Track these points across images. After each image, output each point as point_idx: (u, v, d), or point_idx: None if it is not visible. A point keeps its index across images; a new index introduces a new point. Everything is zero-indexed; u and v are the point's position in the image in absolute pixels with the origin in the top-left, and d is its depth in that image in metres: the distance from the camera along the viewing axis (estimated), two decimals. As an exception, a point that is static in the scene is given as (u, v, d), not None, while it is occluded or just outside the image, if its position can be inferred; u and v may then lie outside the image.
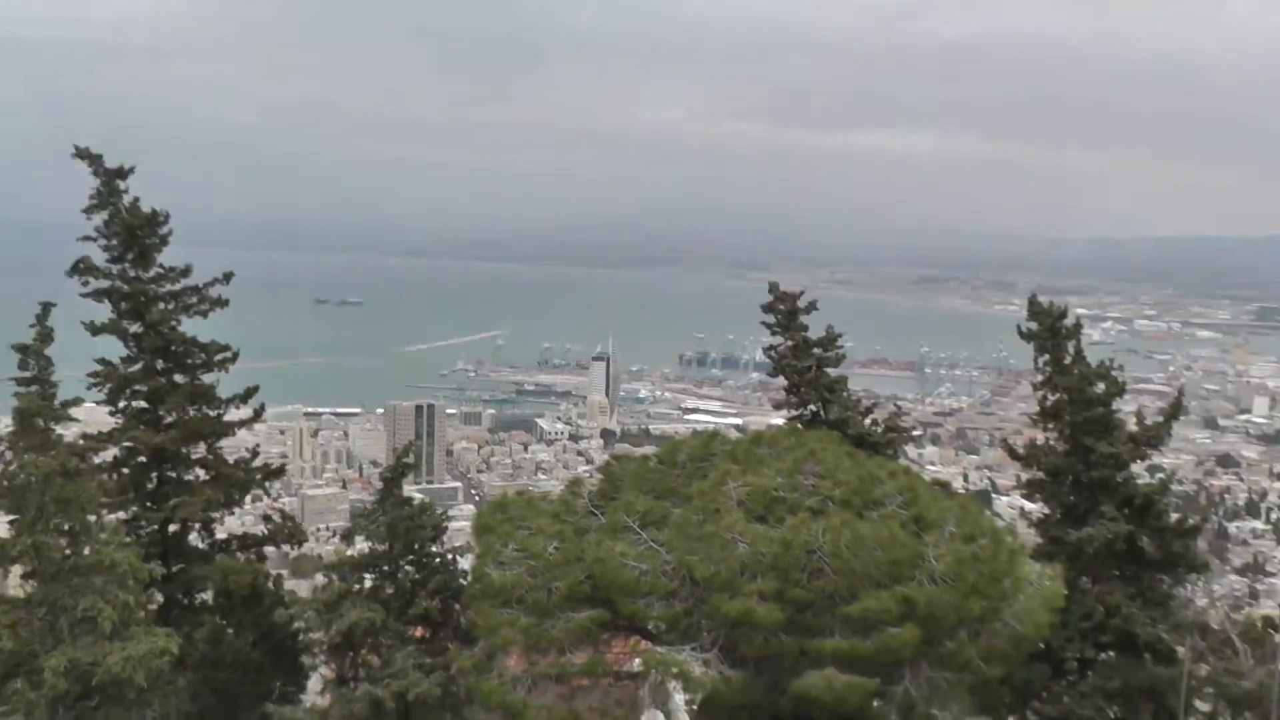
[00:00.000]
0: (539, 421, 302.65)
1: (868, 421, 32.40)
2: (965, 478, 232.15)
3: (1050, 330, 30.92)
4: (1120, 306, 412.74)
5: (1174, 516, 30.50)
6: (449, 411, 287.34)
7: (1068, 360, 30.74)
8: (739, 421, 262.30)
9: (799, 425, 31.44)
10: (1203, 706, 31.52)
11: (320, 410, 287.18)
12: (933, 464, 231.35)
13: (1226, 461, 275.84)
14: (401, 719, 27.15)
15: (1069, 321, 31.20)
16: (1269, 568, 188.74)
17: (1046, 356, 30.96)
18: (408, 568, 29.02)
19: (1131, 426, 30.75)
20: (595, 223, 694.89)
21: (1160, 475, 31.15)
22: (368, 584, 28.74)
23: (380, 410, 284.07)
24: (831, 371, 32.37)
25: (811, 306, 32.43)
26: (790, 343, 31.98)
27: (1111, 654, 29.61)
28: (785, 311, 32.07)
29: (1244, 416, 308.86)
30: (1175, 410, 31.84)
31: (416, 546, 29.01)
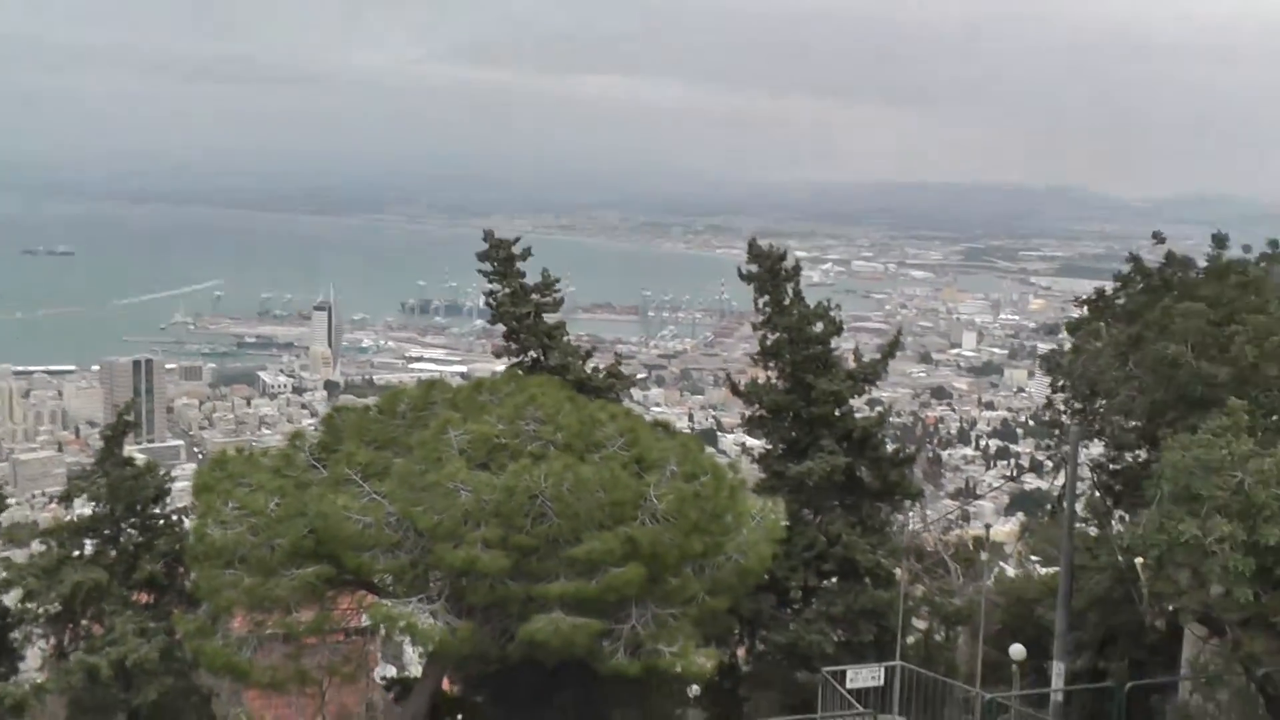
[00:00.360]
0: (261, 375, 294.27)
1: (589, 366, 32.43)
2: (691, 417, 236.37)
3: (770, 272, 31.47)
4: (839, 249, 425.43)
5: (891, 448, 31.58)
6: (168, 366, 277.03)
7: (787, 301, 31.34)
8: (464, 369, 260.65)
9: (519, 372, 31.24)
10: (920, 624, 33.01)
11: (31, 369, 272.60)
12: (658, 405, 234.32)
13: (940, 393, 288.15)
14: (123, 687, 26.13)
15: (788, 264, 31.70)
16: (979, 490, 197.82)
17: (766, 298, 31.48)
18: (130, 530, 27.96)
19: (850, 363, 31.61)
20: (313, 168, 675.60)
21: (879, 409, 32.18)
22: (89, 550, 27.59)
23: (96, 367, 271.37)
24: (550, 317, 32.22)
25: (527, 253, 32.14)
26: (508, 289, 31.67)
27: (834, 580, 30.54)
28: (502, 258, 31.73)
29: (954, 351, 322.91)
30: (892, 347, 33.00)
31: (139, 508, 27.98)
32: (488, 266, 31.90)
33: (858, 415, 31.31)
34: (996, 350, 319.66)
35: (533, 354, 31.77)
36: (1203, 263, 31.58)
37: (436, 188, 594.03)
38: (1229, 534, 24.09)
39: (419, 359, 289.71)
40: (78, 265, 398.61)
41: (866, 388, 31.57)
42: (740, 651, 32.12)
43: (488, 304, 32.61)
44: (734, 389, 33.53)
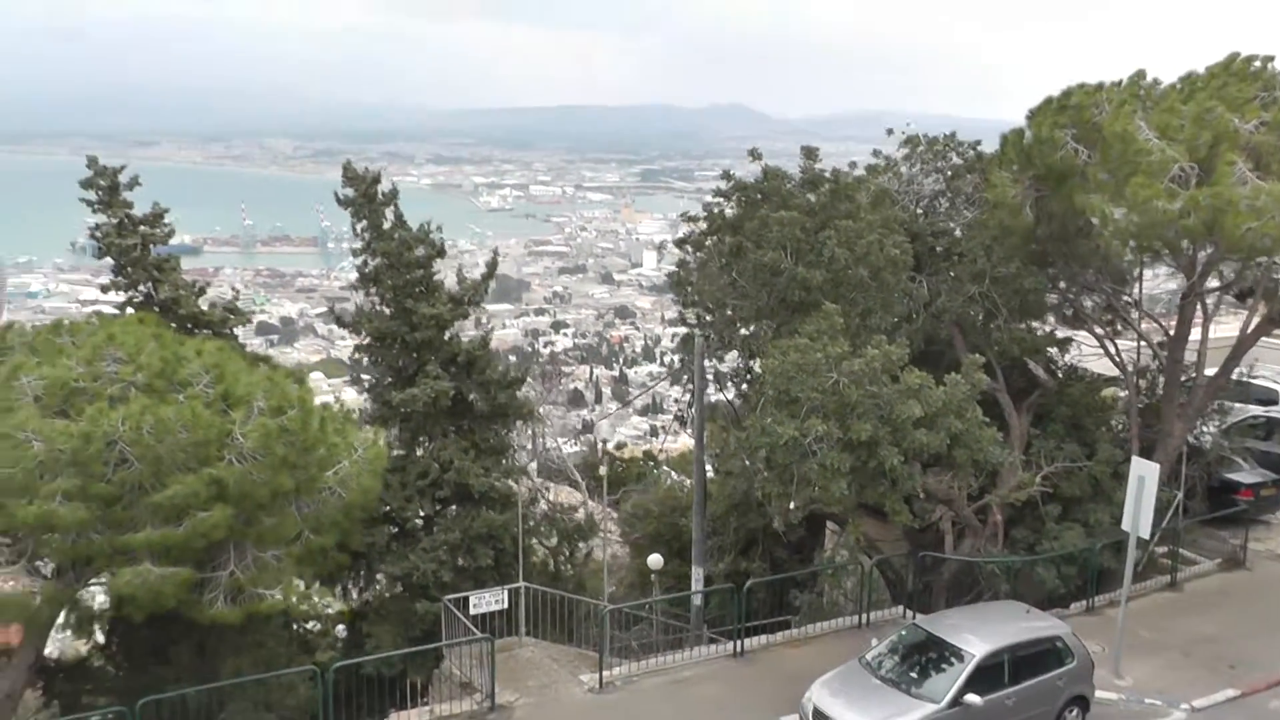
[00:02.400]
0: (92, 320, 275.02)
1: (205, 304, 31.25)
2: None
3: (365, 196, 30.77)
4: (516, 174, 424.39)
5: (501, 370, 31.53)
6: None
7: (387, 226, 30.75)
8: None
9: (129, 309, 29.89)
10: (545, 542, 33.29)
11: None
12: (343, 338, 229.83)
13: (623, 313, 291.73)
14: None
15: (385, 187, 31.07)
16: (665, 406, 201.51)
17: (365, 223, 30.79)
18: None
19: (452, 286, 31.32)
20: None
21: (481, 332, 32.04)
22: None
23: None
24: (162, 249, 30.88)
25: (134, 182, 30.63)
26: (114, 220, 30.10)
27: (452, 508, 30.47)
28: (106, 187, 30.11)
29: (635, 271, 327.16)
30: (491, 270, 32.72)
31: None
32: (91, 196, 30.10)
33: (462, 339, 31.04)
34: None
35: (143, 289, 30.22)
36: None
37: (91, 117, 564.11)
38: (825, 433, 25.09)
39: (95, 302, 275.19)
40: None
41: (471, 310, 31.28)
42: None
43: (93, 236, 30.79)
44: (339, 321, 32.65)
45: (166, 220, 31.03)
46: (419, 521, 30.16)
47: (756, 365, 30.55)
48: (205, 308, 30.95)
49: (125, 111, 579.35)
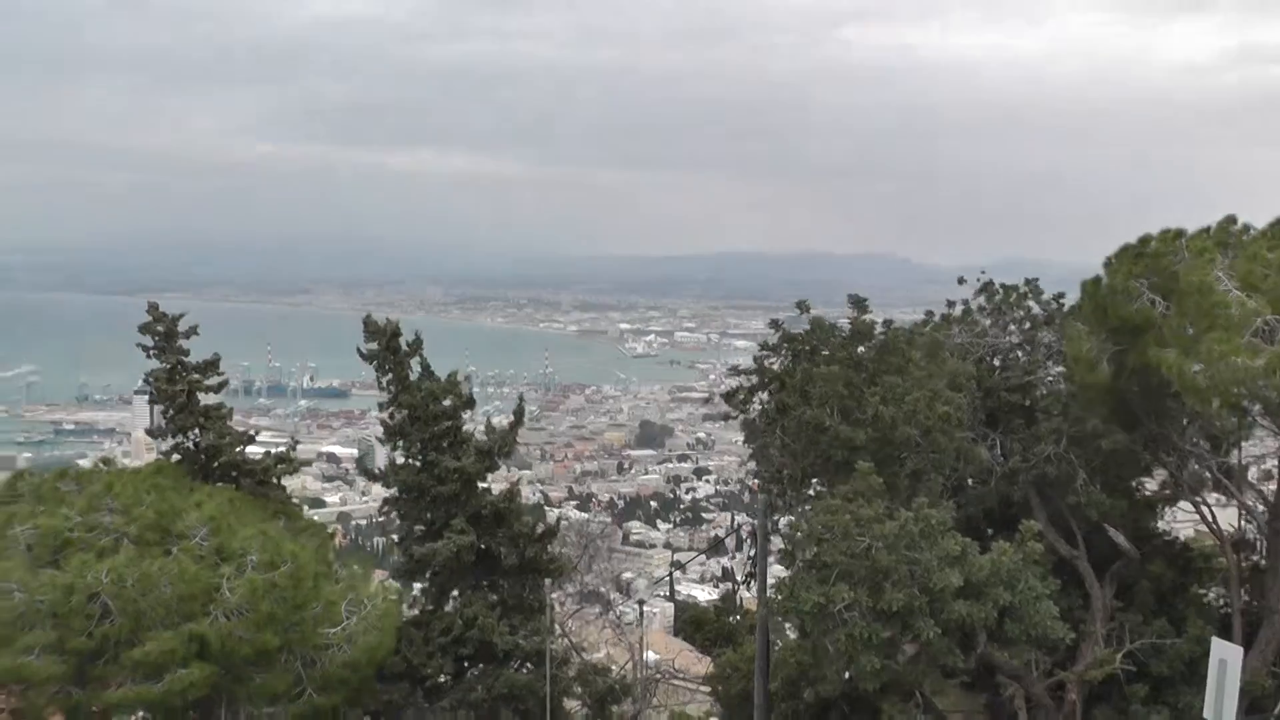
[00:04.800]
0: (81, 463, 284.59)
1: (256, 451, 30.95)
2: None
3: (388, 349, 30.22)
4: (662, 320, 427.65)
5: (532, 524, 30.60)
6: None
7: (413, 377, 30.19)
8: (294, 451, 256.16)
9: (172, 457, 29.71)
10: (572, 704, 31.98)
11: None
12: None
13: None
14: None
15: (406, 338, 30.53)
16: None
17: (390, 375, 30.23)
18: None
19: (480, 436, 30.58)
20: (122, 247, 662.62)
21: (505, 486, 31.18)
22: None
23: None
24: (213, 398, 30.66)
25: (192, 330, 30.58)
26: (167, 366, 30.04)
27: (479, 666, 29.45)
28: (162, 334, 30.10)
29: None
30: (519, 418, 31.93)
31: None
32: (148, 341, 30.10)
33: (490, 492, 30.21)
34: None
35: (193, 435, 30.02)
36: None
37: (246, 265, 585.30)
38: (854, 600, 23.60)
39: (293, 444, 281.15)
40: None
41: (499, 462, 30.43)
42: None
43: (146, 381, 30.72)
44: (366, 472, 32.12)
45: (221, 370, 30.78)
46: (441, 679, 29.10)
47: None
48: (254, 455, 30.60)
49: (290, 259, 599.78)
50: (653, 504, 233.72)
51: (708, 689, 42.15)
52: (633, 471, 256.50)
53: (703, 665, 44.31)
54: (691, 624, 59.42)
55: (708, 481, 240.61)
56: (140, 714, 22.16)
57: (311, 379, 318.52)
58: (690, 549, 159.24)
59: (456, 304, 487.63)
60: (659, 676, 40.28)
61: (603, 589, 38.86)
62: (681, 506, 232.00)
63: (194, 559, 21.61)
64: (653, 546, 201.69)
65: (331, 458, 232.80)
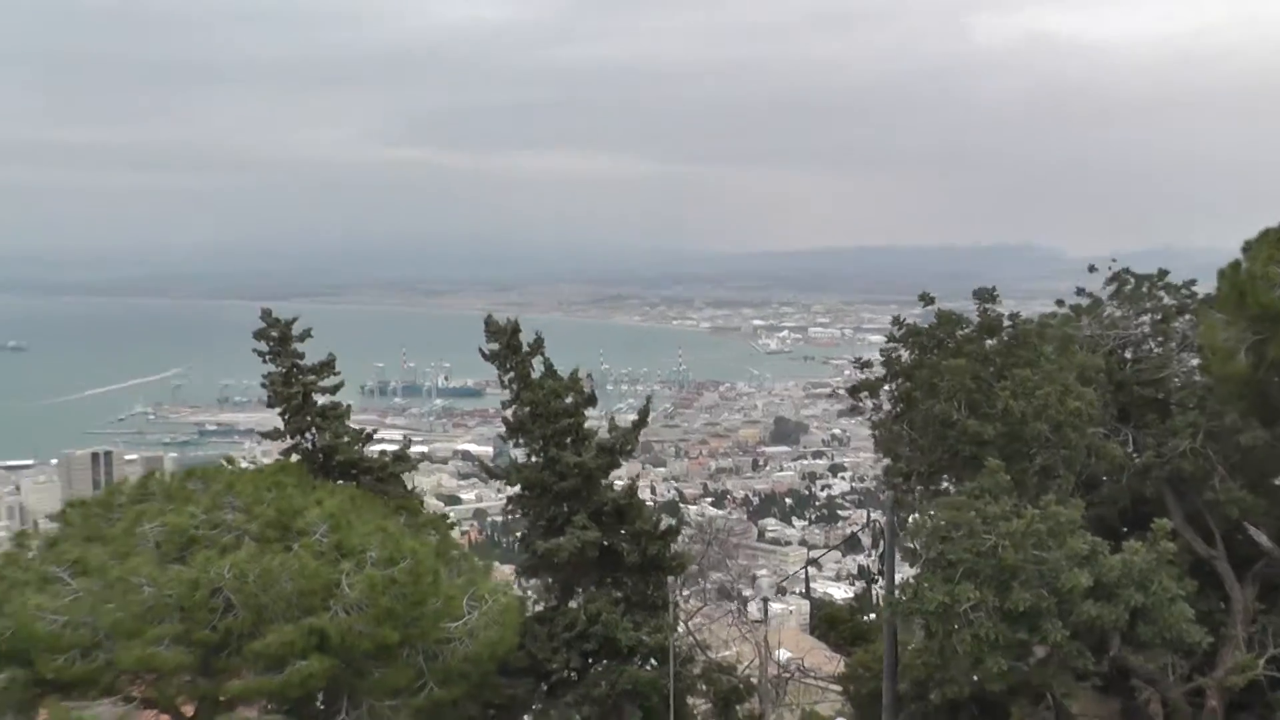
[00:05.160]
0: (223, 463, 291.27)
1: (373, 450, 31.33)
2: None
3: (508, 347, 30.30)
4: (795, 317, 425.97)
5: (653, 521, 30.40)
6: (129, 457, 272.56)
7: (535, 375, 30.23)
8: (425, 448, 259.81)
9: (293, 456, 30.21)
10: (697, 702, 31.74)
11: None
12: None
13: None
14: None
15: (526, 337, 30.57)
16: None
17: (512, 374, 30.29)
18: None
19: (602, 435, 30.48)
20: (268, 253, 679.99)
21: (624, 482, 31.02)
22: None
23: (54, 461, 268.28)
24: (329, 398, 31.11)
25: (306, 334, 31.08)
26: (282, 370, 30.55)
27: (604, 661, 29.35)
28: (277, 338, 30.63)
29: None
30: (643, 417, 31.76)
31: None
32: (263, 346, 30.68)
33: (612, 488, 30.10)
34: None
35: (310, 435, 30.52)
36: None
37: (390, 269, 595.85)
38: (979, 600, 23.06)
39: (382, 440, 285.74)
40: (30, 360, 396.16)
41: (620, 460, 30.31)
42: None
43: (262, 385, 31.31)
44: (487, 470, 32.26)
45: (337, 370, 31.18)
46: (565, 675, 29.09)
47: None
48: (371, 454, 30.97)
49: (420, 262, 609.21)
50: (788, 501, 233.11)
51: (839, 688, 41.71)
52: (767, 468, 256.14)
53: (835, 664, 43.84)
54: (825, 622, 58.92)
55: (843, 478, 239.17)
56: (268, 706, 22.37)
57: (446, 378, 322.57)
58: (825, 546, 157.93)
59: (593, 303, 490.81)
60: (788, 675, 39.89)
61: (732, 586, 38.45)
62: (816, 503, 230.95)
63: (314, 555, 21.76)
64: (788, 544, 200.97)
65: (466, 455, 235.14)
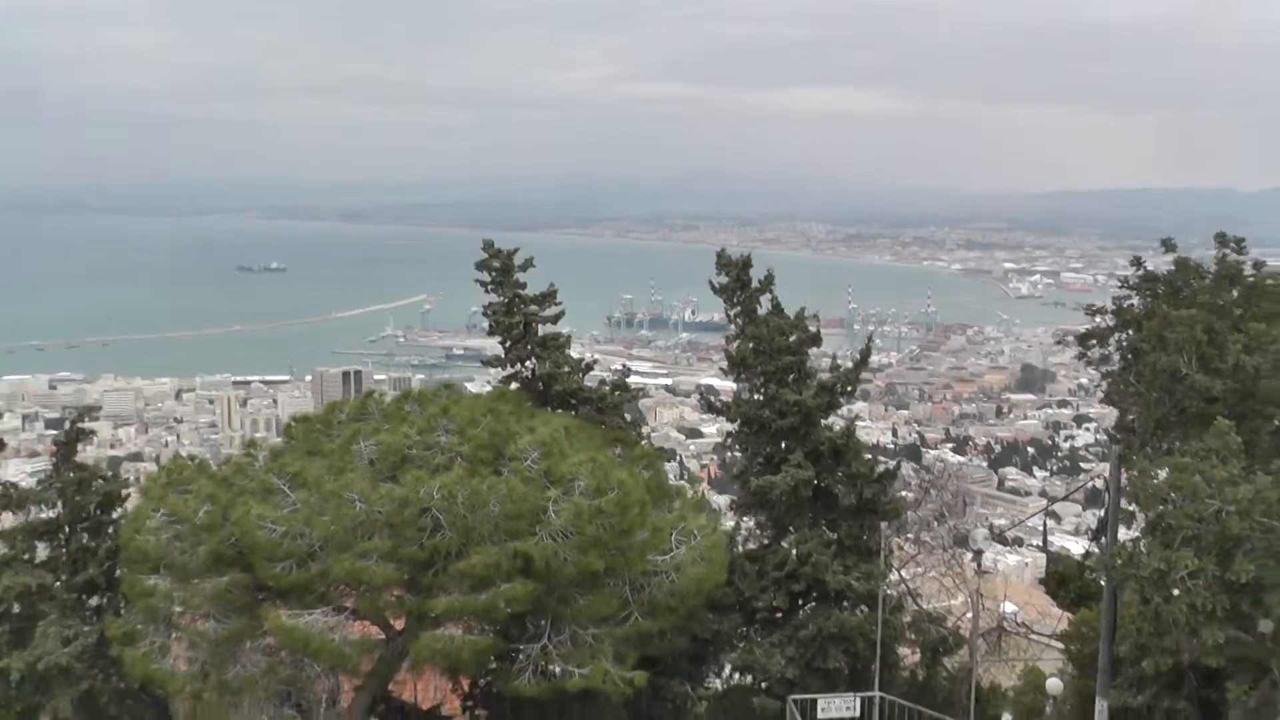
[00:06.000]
0: (468, 386, 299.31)
1: (593, 380, 31.60)
2: (895, 432, 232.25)
3: (738, 282, 30.06)
4: (1048, 260, 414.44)
5: (871, 464, 29.85)
6: (378, 377, 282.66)
7: (762, 311, 29.95)
8: (669, 382, 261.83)
9: (513, 385, 30.71)
10: (905, 651, 31.24)
11: (249, 379, 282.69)
12: (862, 419, 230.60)
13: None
14: (35, 689, 26.36)
15: (757, 273, 30.26)
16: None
17: (738, 309, 30.09)
18: (83, 534, 28.25)
19: (824, 374, 30.05)
20: (521, 186, 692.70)
21: (844, 422, 30.43)
22: (43, 553, 28.03)
23: (309, 377, 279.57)
24: (552, 328, 31.46)
25: (528, 263, 31.40)
26: (504, 300, 31.01)
27: (813, 602, 29.12)
28: (499, 268, 31.08)
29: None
30: (865, 357, 31.13)
31: (88, 513, 28.24)
32: (485, 276, 31.16)
33: (830, 428, 29.62)
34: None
35: (530, 364, 30.97)
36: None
37: (640, 204, 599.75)
38: (1199, 568, 22.07)
39: (630, 371, 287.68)
40: (291, 281, 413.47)
41: (840, 400, 29.79)
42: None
43: (484, 314, 31.85)
44: (708, 404, 32.10)
45: (558, 300, 31.48)
46: (769, 612, 28.97)
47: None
48: (592, 385, 31.25)
49: (673, 197, 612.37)
50: (1030, 450, 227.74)
51: (1061, 646, 40.70)
52: (1011, 416, 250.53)
53: (1060, 621, 42.78)
54: (1055, 578, 57.41)
55: (1088, 429, 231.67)
56: (472, 625, 22.91)
57: (693, 312, 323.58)
58: (1066, 499, 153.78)
59: (843, 241, 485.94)
60: (1005, 630, 39.06)
61: (955, 534, 37.63)
62: (1059, 454, 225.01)
63: (523, 480, 22.08)
64: (1027, 494, 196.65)
65: (710, 390, 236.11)
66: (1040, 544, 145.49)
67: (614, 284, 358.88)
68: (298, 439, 26.32)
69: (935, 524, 34.04)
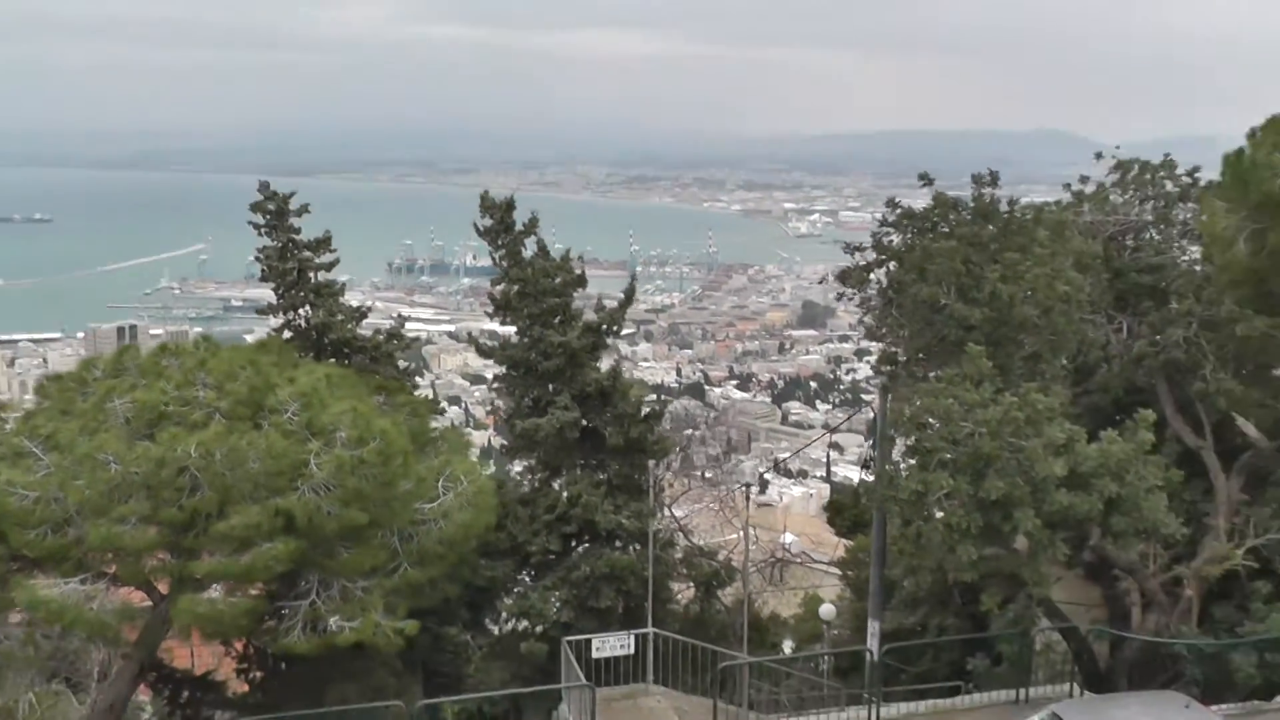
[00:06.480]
0: (247, 338, 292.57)
1: (367, 329, 31.17)
2: (679, 371, 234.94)
3: (503, 224, 29.97)
4: (826, 200, 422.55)
5: (636, 403, 30.13)
6: (154, 332, 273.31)
7: (527, 254, 29.90)
8: (451, 328, 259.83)
9: (286, 334, 30.12)
10: (680, 587, 31.77)
11: (15, 337, 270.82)
12: (646, 360, 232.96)
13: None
14: None
15: (520, 215, 30.18)
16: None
17: (503, 251, 29.97)
18: None
19: (591, 315, 30.20)
20: (298, 131, 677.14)
21: (610, 363, 30.69)
22: None
23: (81, 334, 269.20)
24: (324, 275, 30.87)
25: (304, 209, 30.77)
26: (278, 245, 30.30)
27: (585, 544, 29.34)
28: (273, 212, 30.32)
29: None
30: (629, 297, 31.41)
31: None
32: (259, 219, 30.41)
33: (596, 370, 29.82)
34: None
35: (303, 312, 30.35)
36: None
37: (419, 146, 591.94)
38: (953, 489, 22.89)
39: (407, 319, 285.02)
40: (56, 232, 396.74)
41: (606, 340, 29.98)
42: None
43: (256, 259, 31.12)
44: (477, 348, 32.01)
45: (333, 247, 30.91)
46: (549, 556, 29.09)
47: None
48: (366, 333, 30.79)
49: (453, 140, 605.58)
50: (813, 385, 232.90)
51: (839, 572, 41.93)
52: (793, 352, 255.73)
53: (839, 548, 44.00)
54: (833, 507, 59.00)
55: (868, 362, 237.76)
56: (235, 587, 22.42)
57: (474, 257, 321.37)
58: (837, 430, 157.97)
59: (623, 184, 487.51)
60: (783, 560, 40.08)
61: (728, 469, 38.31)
62: (841, 387, 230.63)
63: (283, 434, 21.55)
64: (811, 427, 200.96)
65: (493, 335, 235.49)
66: (824, 475, 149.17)
67: (395, 230, 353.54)
68: (52, 399, 25.21)
69: (709, 460, 34.62)
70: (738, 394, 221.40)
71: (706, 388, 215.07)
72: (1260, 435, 29.72)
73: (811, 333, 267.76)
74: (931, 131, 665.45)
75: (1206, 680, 25.90)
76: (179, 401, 22.38)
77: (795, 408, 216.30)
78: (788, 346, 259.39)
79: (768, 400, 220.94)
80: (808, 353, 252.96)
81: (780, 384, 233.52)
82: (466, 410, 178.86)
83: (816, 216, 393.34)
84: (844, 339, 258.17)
